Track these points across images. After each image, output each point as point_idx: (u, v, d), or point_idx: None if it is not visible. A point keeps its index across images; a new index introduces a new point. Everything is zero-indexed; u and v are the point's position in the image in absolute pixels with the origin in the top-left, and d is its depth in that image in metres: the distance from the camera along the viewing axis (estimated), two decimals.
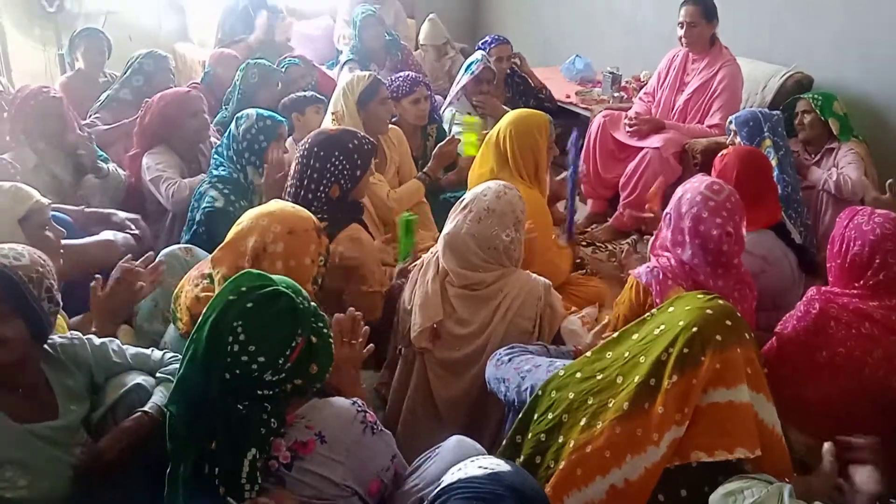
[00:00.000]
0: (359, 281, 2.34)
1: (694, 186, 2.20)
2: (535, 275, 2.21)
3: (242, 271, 1.59)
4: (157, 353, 1.89)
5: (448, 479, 1.28)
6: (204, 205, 2.78)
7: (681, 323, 1.57)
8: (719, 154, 2.90)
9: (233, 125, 2.92)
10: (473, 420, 2.13)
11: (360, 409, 1.60)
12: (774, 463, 1.55)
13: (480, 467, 1.27)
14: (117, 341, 1.84)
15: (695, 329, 1.54)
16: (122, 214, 2.90)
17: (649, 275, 2.21)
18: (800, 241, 2.85)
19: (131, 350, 1.83)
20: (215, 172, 2.89)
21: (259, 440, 1.50)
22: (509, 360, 1.86)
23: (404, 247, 2.43)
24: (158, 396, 1.75)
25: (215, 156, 2.95)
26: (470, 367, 1.96)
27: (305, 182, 2.47)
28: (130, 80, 3.95)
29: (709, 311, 1.58)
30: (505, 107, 4.00)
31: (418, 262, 2.34)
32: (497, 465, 1.27)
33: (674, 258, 2.22)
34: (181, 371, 1.54)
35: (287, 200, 2.45)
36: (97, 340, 1.79)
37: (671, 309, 1.66)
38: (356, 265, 2.32)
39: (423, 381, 2.18)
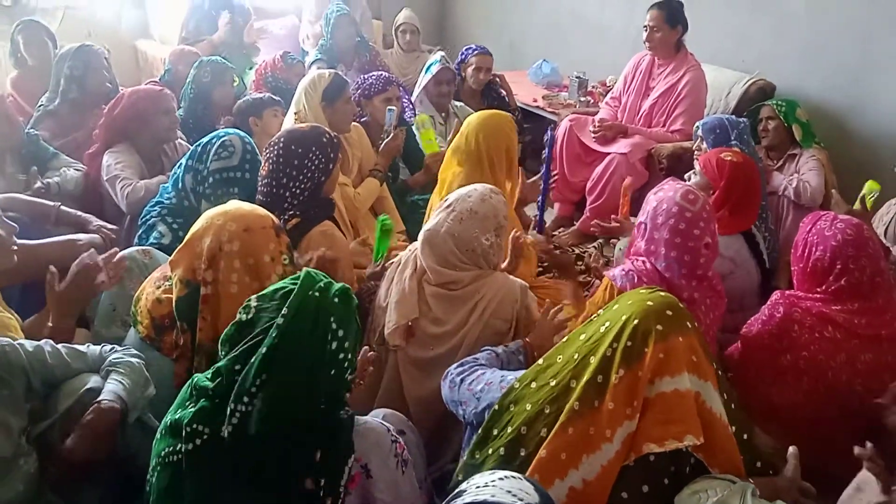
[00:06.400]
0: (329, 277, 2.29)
1: (668, 196, 2.16)
2: (512, 276, 2.20)
3: (304, 272, 1.54)
4: (93, 349, 1.80)
5: (472, 494, 1.14)
6: (150, 241, 2.64)
7: (624, 317, 1.58)
8: (704, 155, 2.92)
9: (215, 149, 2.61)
10: (444, 421, 2.09)
11: (393, 438, 1.58)
12: (721, 451, 1.55)
13: (510, 493, 1.14)
14: (51, 342, 1.74)
15: (636, 322, 1.55)
16: (98, 222, 2.78)
17: (624, 277, 2.19)
18: (766, 256, 2.88)
19: (65, 349, 1.74)
20: (166, 201, 2.71)
21: (351, 446, 1.49)
22: (461, 381, 1.83)
23: (379, 249, 2.42)
24: (113, 386, 1.67)
25: (175, 172, 2.74)
26: (443, 367, 1.92)
27: (283, 179, 2.41)
28: (66, 92, 3.56)
29: (650, 302, 1.58)
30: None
31: (395, 258, 2.31)
32: (527, 494, 1.14)
33: (649, 263, 2.20)
34: (267, 390, 1.41)
35: (259, 200, 2.41)
36: (29, 345, 1.68)
37: (616, 306, 1.66)
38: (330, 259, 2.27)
39: (395, 380, 2.15)
